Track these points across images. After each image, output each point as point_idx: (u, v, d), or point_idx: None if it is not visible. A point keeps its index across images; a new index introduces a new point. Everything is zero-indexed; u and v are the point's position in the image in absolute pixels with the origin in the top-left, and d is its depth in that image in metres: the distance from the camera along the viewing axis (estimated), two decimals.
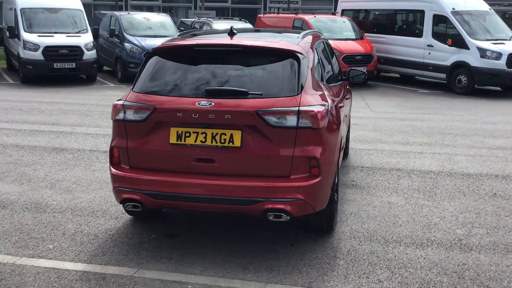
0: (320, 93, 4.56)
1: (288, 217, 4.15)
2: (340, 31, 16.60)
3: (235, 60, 4.47)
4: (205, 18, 17.20)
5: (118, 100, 4.46)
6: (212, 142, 4.16)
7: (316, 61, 4.89)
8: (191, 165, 4.22)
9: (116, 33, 15.92)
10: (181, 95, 4.25)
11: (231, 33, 4.78)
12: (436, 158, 7.64)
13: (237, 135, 4.15)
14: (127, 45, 15.30)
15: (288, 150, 4.15)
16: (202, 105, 4.13)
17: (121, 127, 4.40)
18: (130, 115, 4.32)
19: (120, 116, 4.37)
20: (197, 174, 4.23)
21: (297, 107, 4.13)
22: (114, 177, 4.41)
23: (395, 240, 4.78)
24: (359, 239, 4.79)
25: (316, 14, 18.51)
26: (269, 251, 4.52)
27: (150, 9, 24.79)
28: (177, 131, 4.21)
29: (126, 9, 23.96)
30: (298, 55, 4.46)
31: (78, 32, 15.50)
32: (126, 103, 4.36)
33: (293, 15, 17.39)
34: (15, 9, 15.65)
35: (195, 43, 4.71)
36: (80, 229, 4.92)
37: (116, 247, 4.57)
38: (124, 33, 15.68)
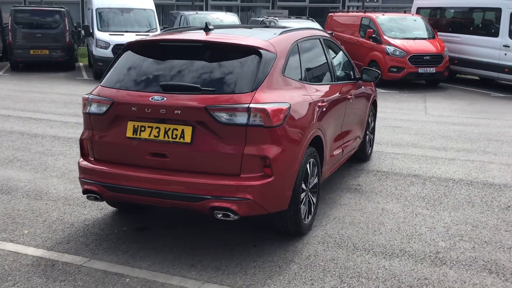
0: (286, 91, 4.40)
1: (236, 217, 4.06)
2: (410, 30, 15.94)
3: (197, 56, 4.42)
4: (272, 17, 17.18)
5: (87, 93, 4.58)
6: (164, 137, 4.16)
7: (292, 59, 4.73)
8: (145, 159, 4.25)
9: None
10: (138, 90, 4.28)
11: (206, 29, 4.75)
12: (466, 165, 7.12)
13: (188, 131, 4.11)
14: None
15: (238, 148, 4.05)
16: (154, 100, 4.14)
17: (87, 120, 4.52)
18: (94, 108, 4.42)
19: (86, 109, 4.48)
20: (151, 168, 4.24)
21: (247, 104, 4.01)
22: (79, 168, 4.54)
23: (366, 248, 4.52)
24: (327, 245, 4.57)
25: (388, 12, 17.89)
26: (228, 250, 4.44)
27: (229, 9, 25.22)
28: (134, 125, 4.25)
29: (206, 9, 24.55)
30: (262, 51, 4.34)
31: (148, 31, 16.09)
32: (90, 96, 4.47)
33: (361, 14, 16.95)
34: (91, 9, 16.56)
35: (161, 38, 4.72)
36: (61, 218, 5.11)
37: (84, 236, 4.70)
38: None
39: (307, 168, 4.62)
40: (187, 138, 4.11)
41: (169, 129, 4.15)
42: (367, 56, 15.95)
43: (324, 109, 5.00)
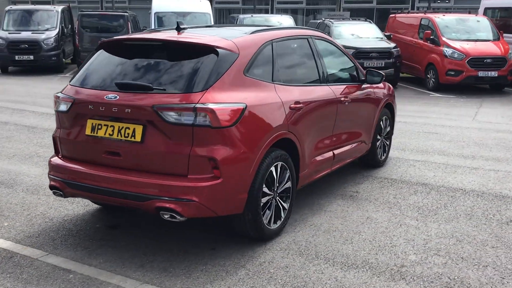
0: (246, 91, 4.28)
1: (182, 218, 3.99)
2: (472, 31, 15.13)
3: (157, 55, 4.39)
4: (328, 20, 16.89)
5: (59, 92, 4.70)
6: (117, 136, 4.18)
7: (261, 58, 4.59)
8: (102, 157, 4.29)
9: None
10: (96, 88, 4.33)
11: (178, 28, 4.73)
12: (487, 175, 6.61)
13: (139, 130, 4.11)
14: None
15: (185, 149, 3.99)
16: (108, 98, 4.17)
17: (57, 118, 4.64)
18: (61, 106, 4.53)
19: (56, 107, 4.60)
20: (106, 166, 4.28)
21: (194, 104, 3.94)
22: (48, 165, 4.66)
23: (327, 257, 4.29)
24: (288, 252, 4.39)
25: (453, 13, 17.04)
26: (183, 252, 4.38)
27: (294, 11, 25.12)
28: (92, 123, 4.31)
29: (272, 12, 24.58)
30: (219, 50, 4.25)
31: None
32: (58, 94, 4.58)
33: (421, 15, 16.28)
34: (151, 13, 17.10)
35: (127, 37, 4.75)
36: (45, 212, 5.27)
37: (55, 231, 4.82)
38: None
39: (271, 172, 4.46)
40: (138, 137, 4.10)
41: (122, 127, 4.16)
42: (424, 59, 15.30)
43: (301, 111, 4.82)
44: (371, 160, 6.82)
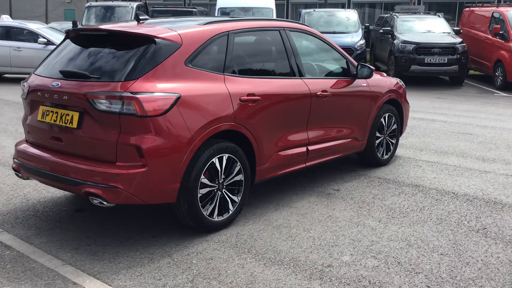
0: (185, 82, 4.29)
1: (109, 204, 4.09)
2: None
3: (102, 45, 4.51)
4: (395, 13, 16.28)
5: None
6: (59, 122, 4.36)
7: (211, 49, 4.58)
8: (49, 142, 4.50)
9: None
10: (47, 76, 4.53)
11: (137, 19, 4.85)
12: (493, 180, 6.11)
13: (76, 117, 4.26)
14: None
15: (114, 136, 4.08)
16: (52, 86, 4.36)
17: (23, 104, 4.92)
18: (23, 93, 4.80)
19: (22, 94, 4.88)
20: (51, 151, 4.48)
21: (120, 93, 4.02)
22: (14, 148, 4.95)
23: (258, 252, 4.20)
24: (224, 245, 4.35)
25: None
26: (124, 238, 4.48)
27: (372, 5, 24.41)
28: (43, 109, 4.53)
29: (349, 7, 24.12)
30: (158, 40, 4.29)
31: None
32: (23, 82, 4.85)
33: (493, 8, 15.25)
34: (216, 9, 17.44)
35: (83, 28, 4.91)
36: (28, 193, 5.59)
37: (23, 211, 5.11)
38: None
39: (214, 164, 4.44)
40: (74, 124, 4.26)
41: (63, 114, 4.34)
42: (493, 56, 14.35)
43: (257, 104, 4.74)
44: (371, 159, 6.54)
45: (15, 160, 4.79)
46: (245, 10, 16.91)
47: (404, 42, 14.55)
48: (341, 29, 15.95)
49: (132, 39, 4.42)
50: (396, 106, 6.77)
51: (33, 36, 15.34)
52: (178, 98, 4.18)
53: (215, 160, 4.45)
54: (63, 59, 4.64)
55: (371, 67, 6.02)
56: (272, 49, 5.28)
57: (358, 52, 15.22)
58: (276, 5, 25.86)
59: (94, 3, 19.94)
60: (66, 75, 4.37)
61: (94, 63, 4.38)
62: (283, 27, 5.38)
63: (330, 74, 5.94)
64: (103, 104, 4.08)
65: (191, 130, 4.24)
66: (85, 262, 4.06)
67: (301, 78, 5.34)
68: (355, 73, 5.98)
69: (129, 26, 4.69)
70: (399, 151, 7.35)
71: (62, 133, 4.37)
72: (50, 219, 4.94)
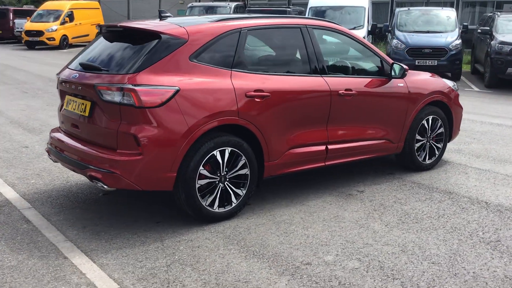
0: (187, 76, 4.45)
1: (108, 188, 4.38)
2: None
3: (119, 40, 4.82)
4: (497, 12, 15.26)
5: None
6: (77, 110, 4.74)
7: (219, 45, 4.70)
8: (71, 129, 4.90)
9: (389, 28, 15.94)
10: (71, 68, 4.93)
11: (160, 17, 5.12)
12: None
13: (88, 106, 4.60)
14: (394, 41, 15.16)
15: (115, 125, 4.36)
16: (72, 77, 4.75)
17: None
18: (57, 84, 5.26)
19: (56, 85, 5.34)
20: (72, 137, 4.87)
21: (121, 84, 4.28)
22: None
23: (245, 246, 4.26)
24: (216, 235, 4.46)
25: None
26: (130, 221, 4.75)
27: (483, 4, 23.01)
28: (67, 99, 4.94)
29: (457, 5, 22.96)
30: (163, 36, 4.51)
31: (354, 28, 16.17)
32: (57, 74, 5.30)
33: None
34: (307, 8, 17.46)
35: (108, 24, 5.21)
36: (75, 178, 5.98)
37: (58, 191, 5.57)
38: (395, 28, 15.54)
39: (215, 156, 4.56)
40: (87, 112, 4.60)
41: (80, 103, 4.71)
42: None
43: (266, 100, 4.79)
44: (409, 163, 6.28)
45: (47, 144, 5.26)
46: (337, 9, 16.74)
47: (502, 43, 13.60)
48: (437, 28, 15.25)
49: (142, 35, 4.68)
50: (444, 109, 6.43)
51: None
52: (177, 91, 4.36)
53: (216, 152, 4.57)
54: (88, 53, 5.01)
55: (404, 66, 5.79)
56: (290, 47, 5.29)
57: (453, 52, 14.49)
58: (380, 3, 25.29)
59: (195, 4, 20.86)
60: (84, 67, 4.73)
61: (108, 57, 4.71)
62: (305, 25, 5.35)
63: (361, 72, 5.80)
64: (108, 95, 4.38)
65: (188, 123, 4.41)
66: (85, 240, 4.38)
67: (321, 76, 5.29)
68: (389, 72, 5.79)
69: (145, 23, 4.96)
70: (452, 157, 6.98)
71: (78, 121, 4.74)
72: (76, 199, 5.35)
